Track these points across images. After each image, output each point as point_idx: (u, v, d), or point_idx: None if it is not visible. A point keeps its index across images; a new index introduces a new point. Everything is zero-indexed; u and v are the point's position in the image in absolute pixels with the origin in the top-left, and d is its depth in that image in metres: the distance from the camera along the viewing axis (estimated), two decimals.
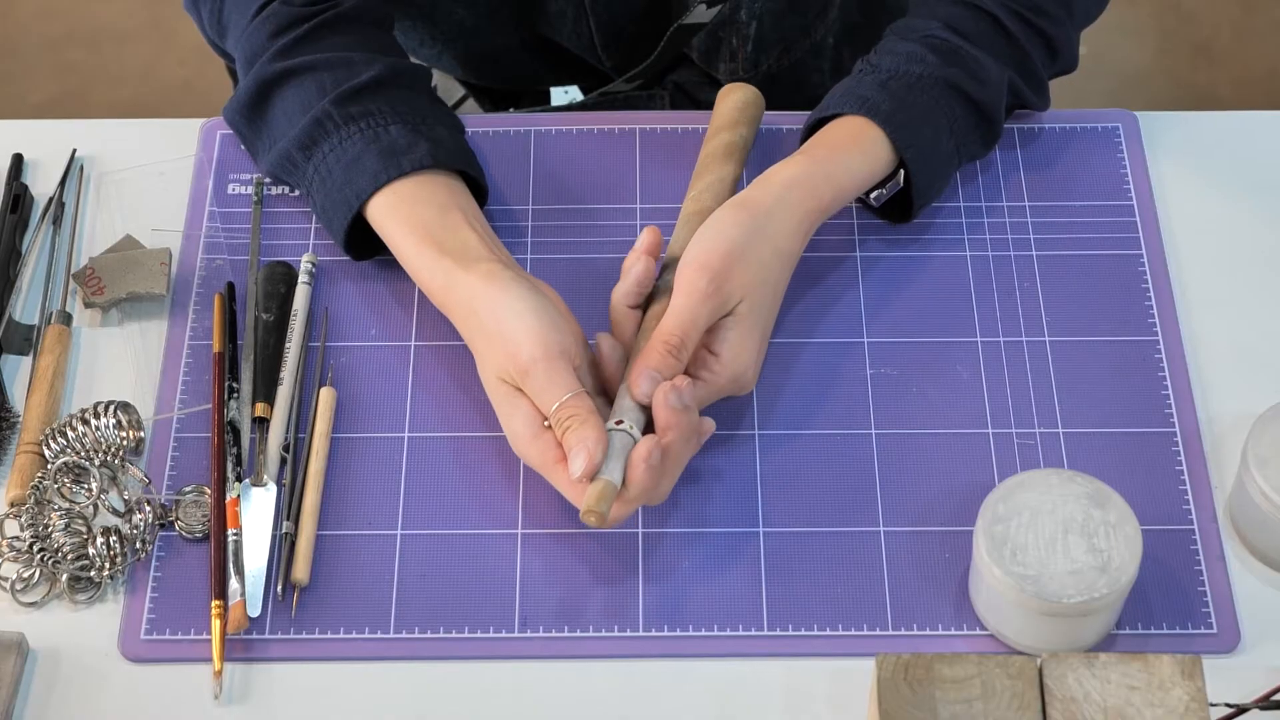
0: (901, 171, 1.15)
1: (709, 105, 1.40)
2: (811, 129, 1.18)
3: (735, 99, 1.20)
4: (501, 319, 1.05)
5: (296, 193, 1.21)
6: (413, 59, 1.26)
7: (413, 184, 1.12)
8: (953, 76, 1.16)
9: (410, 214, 1.12)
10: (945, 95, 1.16)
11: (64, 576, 1.05)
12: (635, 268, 1.08)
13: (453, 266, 1.08)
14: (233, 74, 1.49)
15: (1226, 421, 1.12)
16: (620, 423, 1.02)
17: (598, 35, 1.33)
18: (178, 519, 1.07)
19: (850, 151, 1.14)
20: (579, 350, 1.06)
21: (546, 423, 1.03)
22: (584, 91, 1.44)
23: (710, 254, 1.06)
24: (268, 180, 1.22)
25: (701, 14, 1.29)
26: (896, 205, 1.19)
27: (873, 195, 1.16)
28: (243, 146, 1.22)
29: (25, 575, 1.05)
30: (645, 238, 1.09)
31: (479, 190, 1.17)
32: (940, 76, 1.16)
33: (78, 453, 1.09)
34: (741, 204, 1.09)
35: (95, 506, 1.08)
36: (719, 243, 1.07)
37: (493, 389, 1.06)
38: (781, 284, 1.11)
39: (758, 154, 1.23)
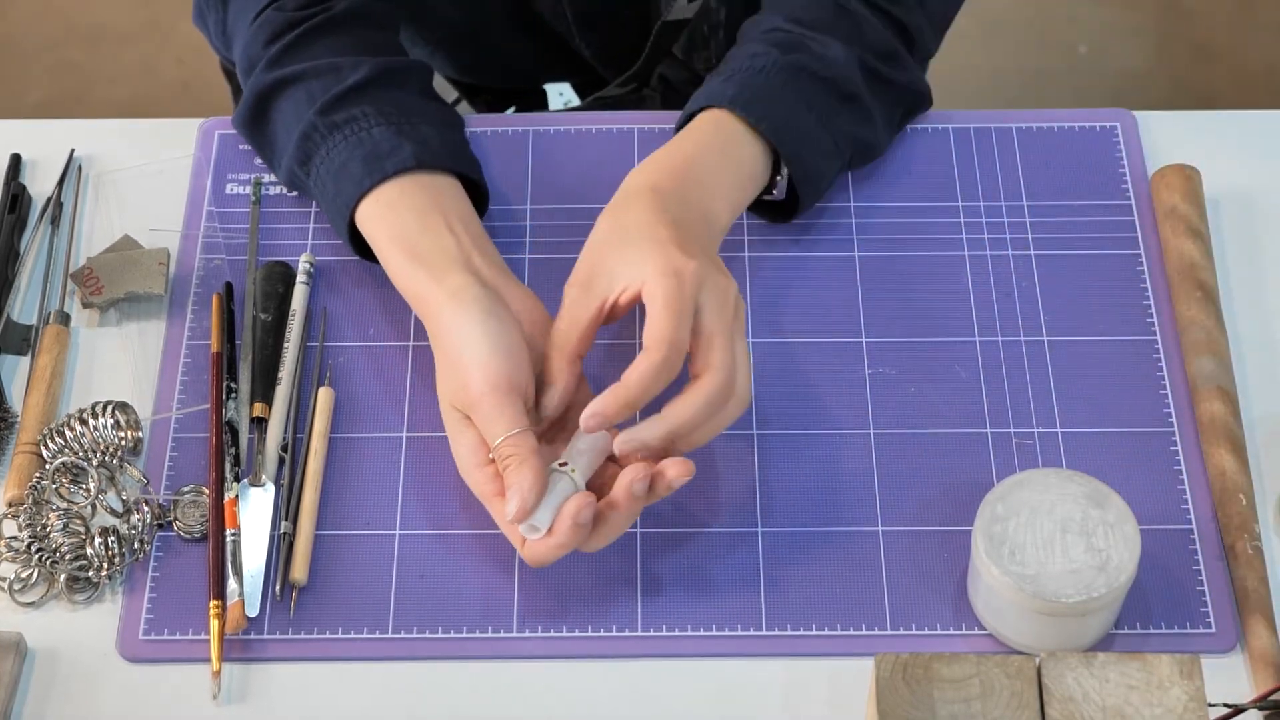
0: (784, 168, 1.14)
1: None
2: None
3: None
4: (456, 345, 1.03)
5: (293, 192, 1.22)
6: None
7: (396, 189, 1.10)
8: (794, 61, 1.14)
9: (392, 220, 1.10)
10: (793, 76, 1.14)
11: (62, 576, 1.05)
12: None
13: (425, 277, 1.06)
14: (228, 75, 1.49)
15: None
16: (564, 464, 1.01)
17: (573, 22, 1.33)
18: (176, 519, 1.07)
19: (695, 132, 1.12)
20: (533, 381, 1.04)
21: (491, 455, 1.02)
22: (578, 89, 1.44)
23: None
24: (266, 180, 1.22)
25: (684, 9, 1.29)
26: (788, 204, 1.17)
27: (774, 190, 1.15)
28: (258, 158, 1.22)
29: (23, 575, 1.05)
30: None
31: (479, 186, 1.15)
32: (783, 63, 1.14)
33: (76, 453, 1.09)
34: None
35: (93, 506, 1.07)
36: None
37: (445, 412, 1.05)
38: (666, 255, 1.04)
39: None
